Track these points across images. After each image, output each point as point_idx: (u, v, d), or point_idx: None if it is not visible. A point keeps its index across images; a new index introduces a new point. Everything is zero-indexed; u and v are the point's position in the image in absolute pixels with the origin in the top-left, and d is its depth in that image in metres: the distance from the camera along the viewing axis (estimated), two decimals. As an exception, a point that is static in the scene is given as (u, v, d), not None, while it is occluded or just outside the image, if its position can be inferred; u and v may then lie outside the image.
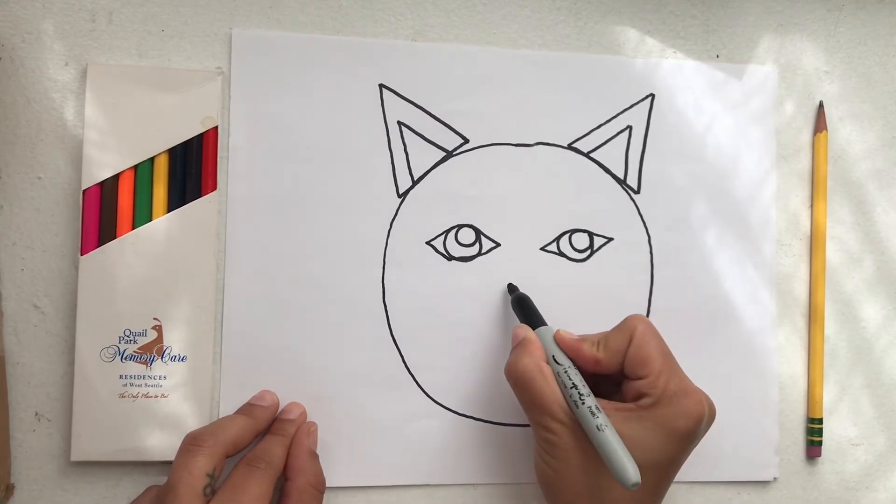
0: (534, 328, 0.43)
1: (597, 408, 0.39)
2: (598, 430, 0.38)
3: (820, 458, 0.50)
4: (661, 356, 0.41)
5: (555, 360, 0.41)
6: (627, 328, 0.42)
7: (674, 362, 0.41)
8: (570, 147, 0.48)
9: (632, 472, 0.36)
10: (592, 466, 0.39)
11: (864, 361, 0.51)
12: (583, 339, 0.42)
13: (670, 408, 0.40)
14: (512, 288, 0.47)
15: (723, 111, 0.49)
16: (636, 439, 0.39)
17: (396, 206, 0.46)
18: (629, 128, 0.48)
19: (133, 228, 0.43)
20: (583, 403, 0.39)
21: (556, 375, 0.41)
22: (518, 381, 0.41)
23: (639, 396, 0.40)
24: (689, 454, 0.41)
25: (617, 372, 0.42)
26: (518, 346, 0.42)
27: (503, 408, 0.47)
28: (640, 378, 0.40)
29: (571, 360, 0.41)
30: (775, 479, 0.49)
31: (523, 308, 0.45)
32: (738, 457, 0.48)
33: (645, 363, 0.40)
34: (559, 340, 0.42)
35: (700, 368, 0.48)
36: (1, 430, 0.42)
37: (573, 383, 0.40)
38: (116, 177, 0.44)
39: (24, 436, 0.43)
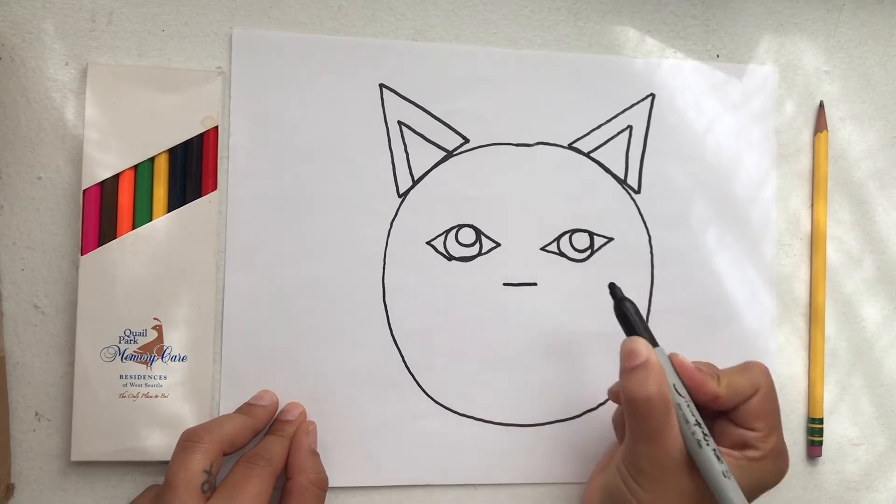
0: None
1: (718, 451, 0.37)
2: (724, 476, 0.36)
3: (820, 458, 0.50)
4: (776, 412, 0.40)
5: (675, 390, 0.38)
6: (755, 377, 0.40)
7: (780, 418, 0.41)
8: (570, 147, 0.48)
9: None
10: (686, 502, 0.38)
11: (865, 361, 0.51)
12: (699, 369, 0.40)
13: (772, 465, 0.39)
14: (615, 290, 0.42)
15: (723, 111, 0.49)
16: None
17: (396, 206, 0.46)
18: (629, 128, 0.48)
19: (133, 228, 0.44)
20: (707, 444, 0.37)
21: (677, 407, 0.38)
22: (639, 409, 0.38)
23: (744, 446, 0.39)
24: None
25: (723, 410, 0.40)
26: (642, 367, 0.38)
27: (503, 408, 0.47)
28: (751, 430, 0.39)
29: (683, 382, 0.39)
30: (775, 479, 0.49)
31: (632, 320, 0.41)
32: (738, 457, 0.48)
33: (763, 418, 0.39)
34: (680, 368, 0.39)
35: (700, 368, 0.48)
36: (1, 430, 0.42)
37: (696, 420, 0.38)
38: (116, 177, 0.44)
39: (24, 436, 0.43)
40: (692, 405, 0.38)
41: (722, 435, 0.40)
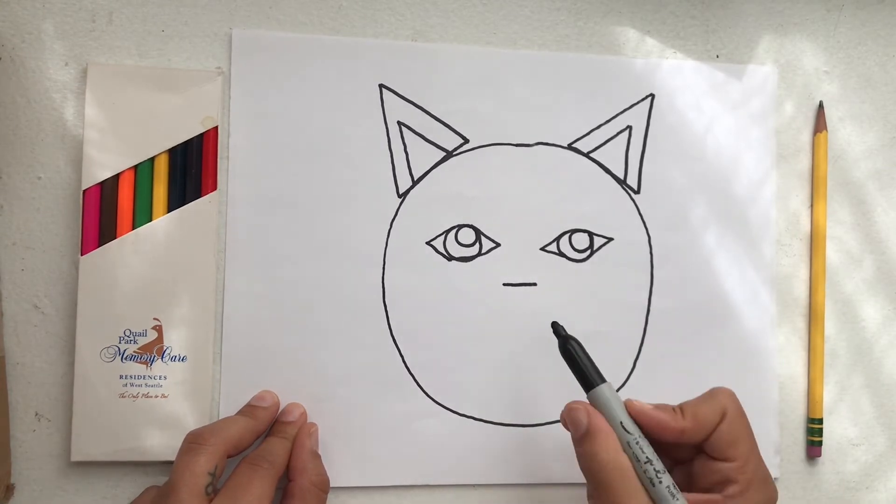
0: (590, 385, 0.39)
1: (675, 486, 0.36)
2: None
3: (820, 458, 0.50)
4: (750, 437, 0.38)
5: (623, 427, 0.37)
6: (718, 401, 0.38)
7: (756, 442, 0.38)
8: (570, 147, 0.48)
9: None
10: None
11: (864, 361, 0.51)
12: (660, 406, 0.38)
13: (756, 495, 0.37)
14: (558, 329, 0.41)
15: (723, 111, 0.49)
16: None
17: (396, 206, 0.46)
18: (629, 128, 0.48)
19: (133, 228, 0.43)
20: (660, 482, 0.35)
21: (626, 445, 0.37)
22: (595, 479, 0.37)
23: (724, 483, 0.37)
24: None
25: (694, 445, 0.38)
26: (588, 437, 0.37)
27: (503, 408, 0.47)
28: (726, 460, 0.37)
29: (644, 428, 0.38)
30: (775, 479, 0.49)
31: (575, 358, 0.39)
32: (738, 457, 0.48)
33: (736, 443, 0.37)
34: (632, 411, 0.38)
35: (700, 368, 0.48)
36: (1, 430, 0.42)
37: (647, 457, 0.36)
38: (116, 177, 0.44)
39: (24, 436, 0.43)
40: (643, 441, 0.37)
41: (701, 475, 0.38)
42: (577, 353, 0.39)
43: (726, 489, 0.37)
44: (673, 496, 0.35)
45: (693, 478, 0.38)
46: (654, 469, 0.36)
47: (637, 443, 0.37)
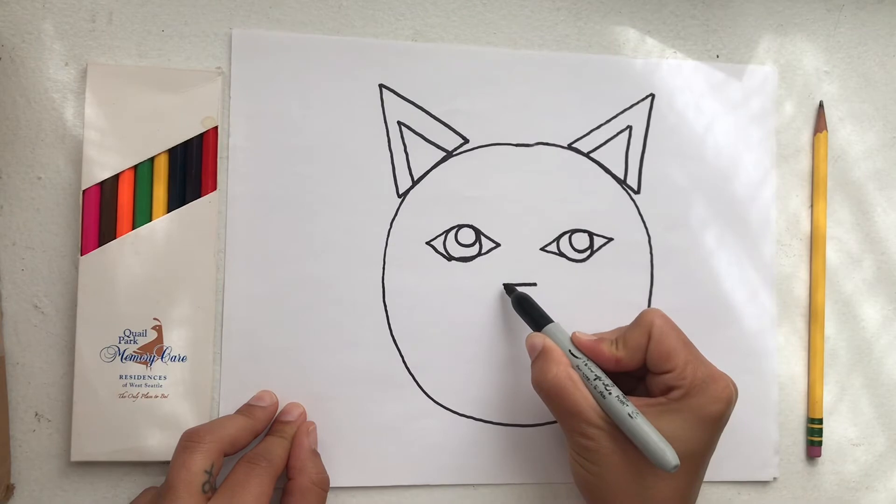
0: (541, 327, 0.43)
1: (623, 396, 0.39)
2: (630, 417, 0.38)
3: (820, 458, 0.50)
4: (683, 347, 0.41)
5: (572, 353, 0.41)
6: (644, 324, 0.41)
7: (695, 350, 0.41)
8: (570, 147, 0.48)
9: (670, 455, 0.37)
10: (633, 466, 0.39)
11: (864, 361, 0.51)
12: (600, 338, 0.42)
13: (701, 396, 0.40)
14: (510, 288, 0.46)
15: (723, 111, 0.49)
16: (672, 432, 0.38)
17: (396, 206, 0.47)
18: (629, 128, 0.48)
19: (133, 228, 0.44)
20: (609, 394, 0.39)
21: (577, 369, 0.41)
22: (549, 391, 0.41)
23: (668, 390, 0.40)
24: (719, 437, 0.41)
25: (638, 368, 0.42)
26: (541, 356, 0.42)
27: (503, 408, 0.47)
28: (666, 372, 0.40)
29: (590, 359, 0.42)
30: (775, 479, 0.49)
31: (526, 308, 0.45)
32: (738, 457, 0.48)
33: (668, 357, 0.40)
34: (576, 342, 0.42)
35: (700, 368, 0.48)
36: (1, 430, 0.42)
37: (596, 375, 0.40)
38: (116, 177, 0.44)
39: (24, 436, 0.43)
40: (591, 363, 0.41)
41: (652, 387, 0.41)
42: (528, 303, 0.45)
43: (670, 394, 0.40)
44: (623, 403, 0.39)
45: (648, 391, 0.42)
46: (604, 384, 0.40)
47: (586, 364, 0.41)
